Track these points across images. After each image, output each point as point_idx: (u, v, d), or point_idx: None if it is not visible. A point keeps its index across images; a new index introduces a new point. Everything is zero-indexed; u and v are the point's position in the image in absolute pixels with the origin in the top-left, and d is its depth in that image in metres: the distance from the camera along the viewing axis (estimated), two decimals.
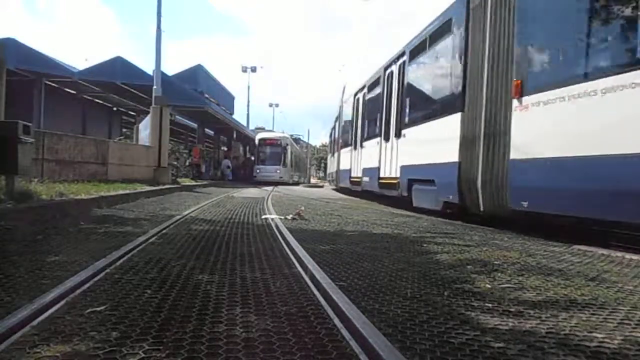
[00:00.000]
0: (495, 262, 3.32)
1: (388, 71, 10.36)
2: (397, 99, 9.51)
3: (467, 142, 6.15)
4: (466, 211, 6.43)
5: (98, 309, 1.94)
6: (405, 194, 8.49)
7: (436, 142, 7.13)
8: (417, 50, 8.44)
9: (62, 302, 2.01)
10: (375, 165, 10.61)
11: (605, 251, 3.91)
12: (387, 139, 9.99)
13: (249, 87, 56.75)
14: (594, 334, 1.81)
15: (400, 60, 9.41)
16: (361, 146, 12.68)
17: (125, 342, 1.58)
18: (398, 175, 8.87)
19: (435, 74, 7.64)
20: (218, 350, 1.54)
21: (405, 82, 8.95)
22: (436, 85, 7.57)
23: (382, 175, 10.19)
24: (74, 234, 4.05)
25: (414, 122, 8.29)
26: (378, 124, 10.83)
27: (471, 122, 6.05)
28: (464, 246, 4.10)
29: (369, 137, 11.80)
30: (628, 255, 3.67)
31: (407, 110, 8.73)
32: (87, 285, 2.33)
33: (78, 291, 2.20)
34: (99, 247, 3.37)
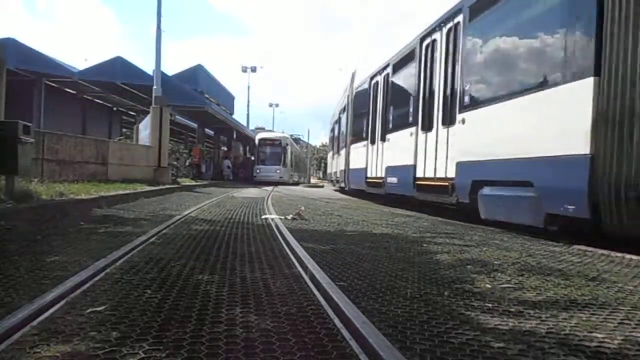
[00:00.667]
0: (495, 262, 3.32)
1: (427, 41, 8.12)
2: (445, 74, 7.37)
3: (611, 125, 4.09)
4: (599, 231, 4.28)
5: (98, 309, 1.94)
6: (464, 200, 6.43)
7: (537, 127, 5.04)
8: (486, 1, 6.18)
9: (62, 302, 2.01)
10: (408, 162, 8.50)
11: (605, 251, 3.90)
12: (427, 128, 7.88)
13: (249, 87, 56.68)
14: (594, 334, 1.81)
15: (451, 23, 7.20)
16: (383, 140, 10.49)
17: (125, 342, 1.58)
18: (451, 175, 6.83)
19: (527, 27, 5.40)
20: (218, 350, 1.54)
21: (463, 50, 6.78)
22: (531, 44, 5.32)
23: (419, 175, 8.08)
24: (74, 234, 4.05)
25: (484, 102, 6.17)
26: (412, 110, 8.68)
27: (619, 92, 4.01)
28: (464, 246, 4.10)
29: (397, 128, 9.59)
30: (628, 255, 3.66)
31: (469, 87, 6.60)
32: (87, 285, 2.33)
33: (78, 291, 2.20)
34: (99, 247, 3.37)
